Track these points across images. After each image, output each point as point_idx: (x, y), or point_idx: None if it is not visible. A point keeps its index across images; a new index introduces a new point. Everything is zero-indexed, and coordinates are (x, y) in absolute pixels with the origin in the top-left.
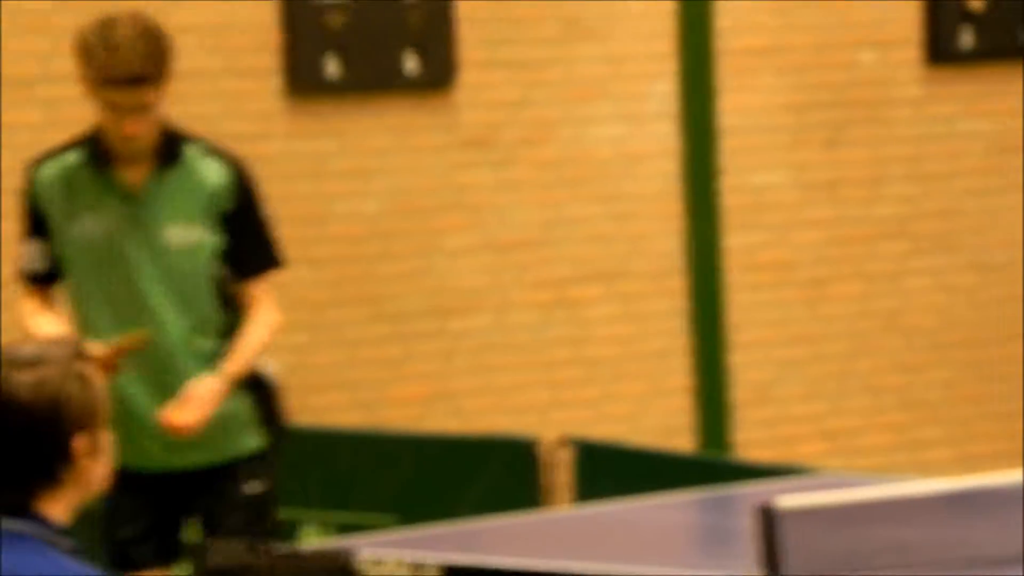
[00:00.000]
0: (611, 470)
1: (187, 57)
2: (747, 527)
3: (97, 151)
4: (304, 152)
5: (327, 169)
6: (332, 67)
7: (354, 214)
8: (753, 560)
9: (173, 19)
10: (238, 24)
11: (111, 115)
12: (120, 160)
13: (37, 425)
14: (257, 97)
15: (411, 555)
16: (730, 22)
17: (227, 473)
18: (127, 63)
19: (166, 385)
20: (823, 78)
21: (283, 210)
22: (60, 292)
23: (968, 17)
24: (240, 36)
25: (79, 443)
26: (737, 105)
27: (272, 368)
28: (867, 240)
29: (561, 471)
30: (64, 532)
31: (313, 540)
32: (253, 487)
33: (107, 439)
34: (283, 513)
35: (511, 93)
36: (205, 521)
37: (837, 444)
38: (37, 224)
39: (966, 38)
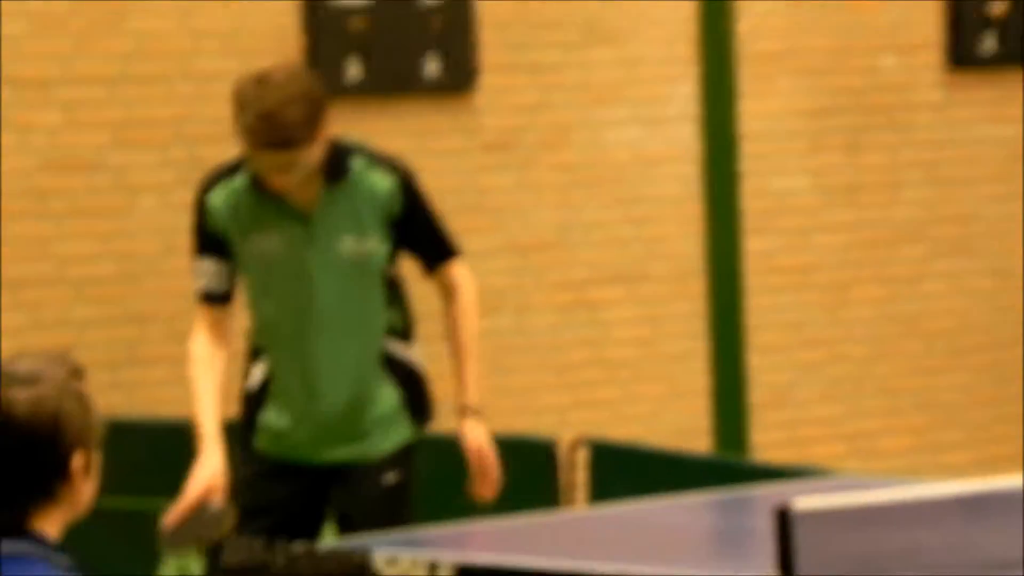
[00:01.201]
0: (628, 471)
1: (208, 60)
2: (764, 528)
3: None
4: None
5: None
6: (354, 70)
7: None
8: (769, 561)
9: (194, 22)
10: (259, 28)
11: (262, 171)
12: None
13: (36, 442)
14: None
15: (426, 554)
16: (750, 26)
17: (372, 466)
18: (277, 131)
19: (342, 380)
20: (843, 82)
21: None
22: (232, 312)
23: (990, 22)
24: (261, 40)
25: (76, 461)
26: (757, 109)
27: (420, 358)
28: (886, 244)
29: (579, 472)
30: (60, 550)
31: (330, 538)
32: (391, 478)
33: (98, 459)
34: None
35: (531, 97)
36: (343, 513)
37: (855, 446)
38: (212, 244)
39: (988, 43)
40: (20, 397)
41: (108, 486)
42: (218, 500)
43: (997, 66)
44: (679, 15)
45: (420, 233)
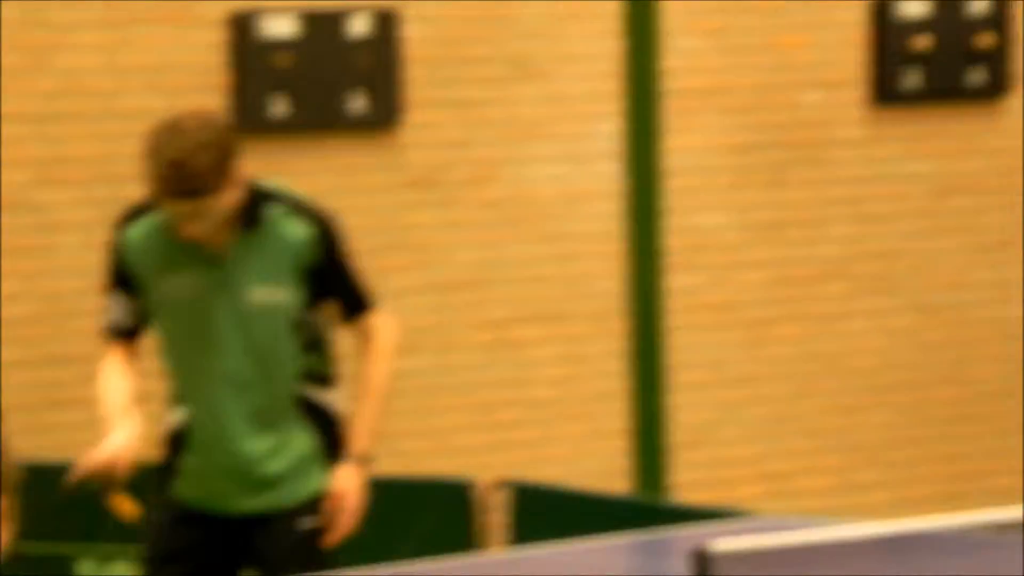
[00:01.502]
0: (548, 513)
1: (133, 97)
2: (683, 570)
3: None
4: None
5: None
6: (279, 106)
7: None
8: None
9: (119, 60)
10: (184, 64)
11: (171, 218)
12: None
13: None
14: None
15: None
16: (675, 63)
17: (288, 513)
18: (185, 180)
19: (252, 431)
20: (767, 119)
21: None
22: (142, 346)
23: (913, 58)
24: (186, 76)
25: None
26: (681, 145)
27: (340, 402)
28: (809, 281)
29: (497, 514)
30: None
31: None
32: (308, 524)
33: (14, 508)
34: None
35: (456, 133)
36: (261, 562)
37: (776, 487)
38: (123, 280)
39: (911, 78)
40: None
41: (27, 530)
42: (123, 466)
43: (920, 102)
44: (604, 52)
45: (337, 284)
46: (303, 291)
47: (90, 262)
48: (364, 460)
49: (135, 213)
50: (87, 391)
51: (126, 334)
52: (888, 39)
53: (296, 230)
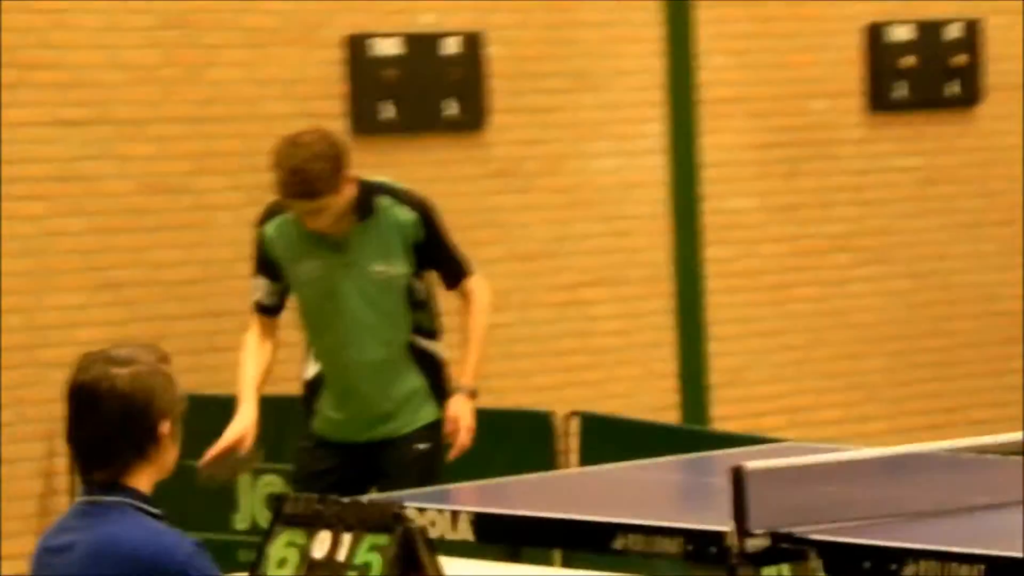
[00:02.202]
0: (611, 439)
1: (271, 104)
2: (722, 485)
3: None
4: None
5: None
6: (387, 112)
7: None
8: (727, 512)
9: (259, 73)
10: (311, 77)
11: (296, 215)
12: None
13: (134, 409)
14: None
15: (448, 507)
16: (708, 77)
17: (407, 439)
18: (294, 185)
19: (373, 377)
20: (783, 122)
21: None
22: (279, 320)
23: (902, 73)
24: (313, 86)
25: (163, 428)
26: (714, 143)
27: (442, 350)
28: (820, 253)
29: (571, 439)
30: (151, 503)
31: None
32: (422, 447)
33: (179, 429)
34: None
35: (531, 133)
36: (384, 475)
37: (796, 418)
38: (266, 267)
39: (900, 90)
40: (121, 373)
41: (191, 451)
42: (247, 446)
43: (907, 110)
44: (650, 68)
45: (438, 257)
46: (411, 263)
47: (238, 236)
48: (472, 392)
49: (270, 214)
50: (237, 338)
51: (269, 311)
52: (880, 58)
53: (402, 215)
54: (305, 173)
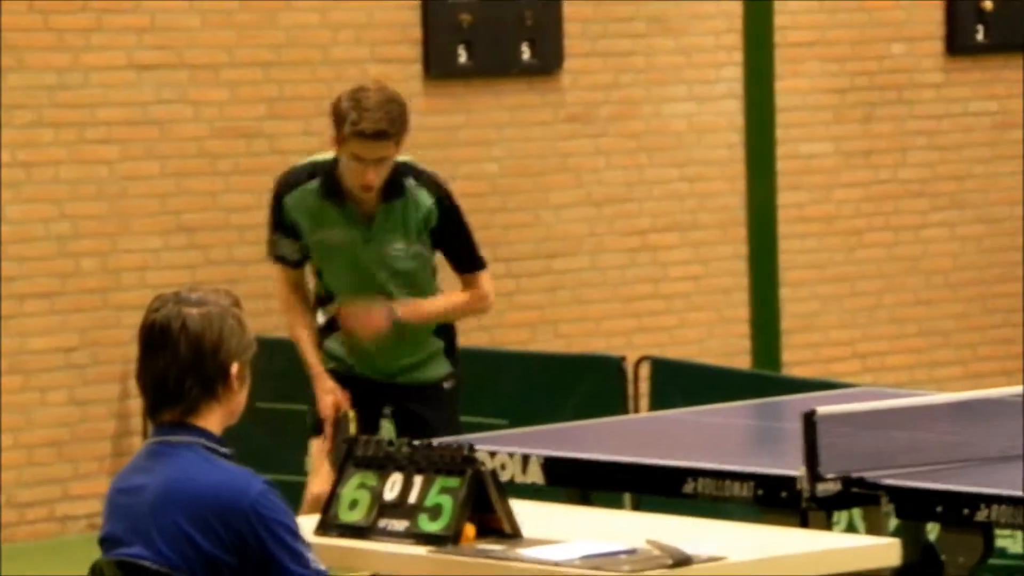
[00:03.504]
0: (682, 384)
1: (344, 49)
2: (794, 430)
3: (333, 187)
4: (438, 126)
5: (456, 139)
6: (462, 56)
7: (478, 175)
8: (799, 456)
9: (332, 18)
10: (385, 22)
11: (356, 166)
12: (352, 195)
13: (205, 347)
14: (400, 81)
15: (520, 449)
16: (785, 21)
17: (429, 386)
18: (375, 121)
19: (393, 343)
20: (860, 67)
21: None
22: (305, 272)
23: (981, 16)
24: (387, 31)
25: (234, 369)
26: (790, 88)
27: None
28: (895, 199)
29: (642, 384)
30: (223, 443)
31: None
32: (447, 387)
33: (248, 375)
34: None
35: (606, 78)
36: (410, 410)
37: (868, 364)
38: (288, 229)
39: (979, 34)
40: (193, 313)
41: (262, 392)
42: (345, 406)
43: (986, 54)
44: (727, 11)
45: (450, 243)
46: (428, 245)
47: None
48: (393, 312)
49: (294, 182)
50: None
51: (293, 264)
52: (960, 2)
53: (424, 198)
54: (386, 111)
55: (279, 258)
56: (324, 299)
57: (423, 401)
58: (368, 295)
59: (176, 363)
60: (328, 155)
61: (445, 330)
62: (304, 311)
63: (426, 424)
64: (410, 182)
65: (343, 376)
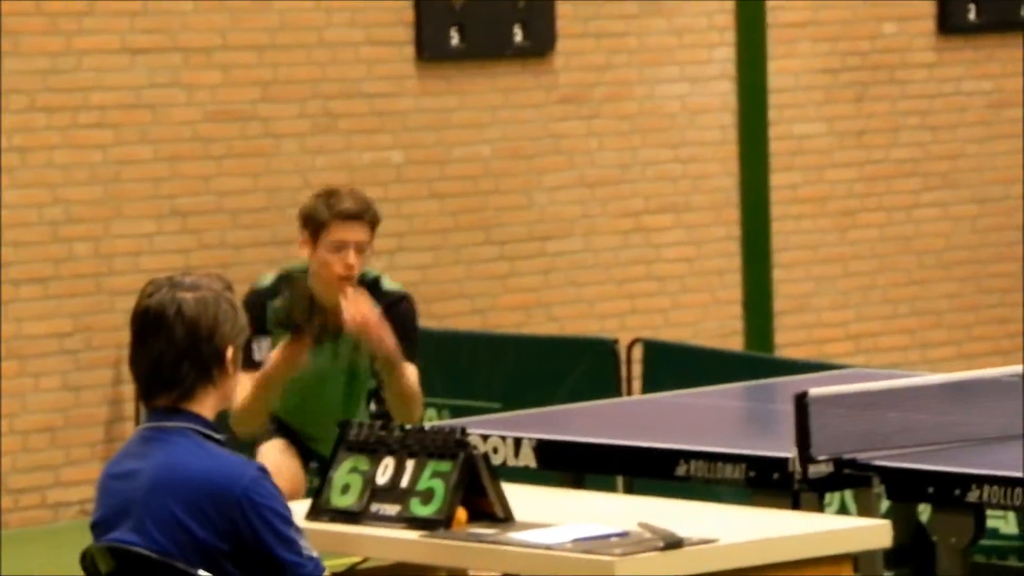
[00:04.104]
0: (675, 366)
1: (338, 31)
2: (786, 411)
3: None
4: (431, 108)
5: (449, 121)
6: (454, 38)
7: (471, 158)
8: (791, 438)
9: (325, 1)
10: (379, 4)
11: (335, 256)
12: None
13: (201, 332)
14: (393, 63)
15: (512, 433)
16: (778, 1)
17: None
18: (353, 202)
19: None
20: (852, 47)
21: (414, 155)
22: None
23: None
24: (381, 14)
25: (229, 353)
26: (782, 68)
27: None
28: (887, 178)
29: (635, 367)
30: (216, 429)
31: (435, 420)
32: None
33: (241, 359)
34: None
35: (598, 59)
36: None
37: (861, 345)
38: (265, 331)
39: (971, 13)
40: (187, 297)
41: None
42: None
43: (978, 33)
44: None
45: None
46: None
47: (305, 163)
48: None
49: (269, 293)
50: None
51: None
52: None
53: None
54: (364, 199)
55: (254, 365)
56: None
57: None
58: (329, 414)
59: (172, 348)
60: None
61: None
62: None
63: None
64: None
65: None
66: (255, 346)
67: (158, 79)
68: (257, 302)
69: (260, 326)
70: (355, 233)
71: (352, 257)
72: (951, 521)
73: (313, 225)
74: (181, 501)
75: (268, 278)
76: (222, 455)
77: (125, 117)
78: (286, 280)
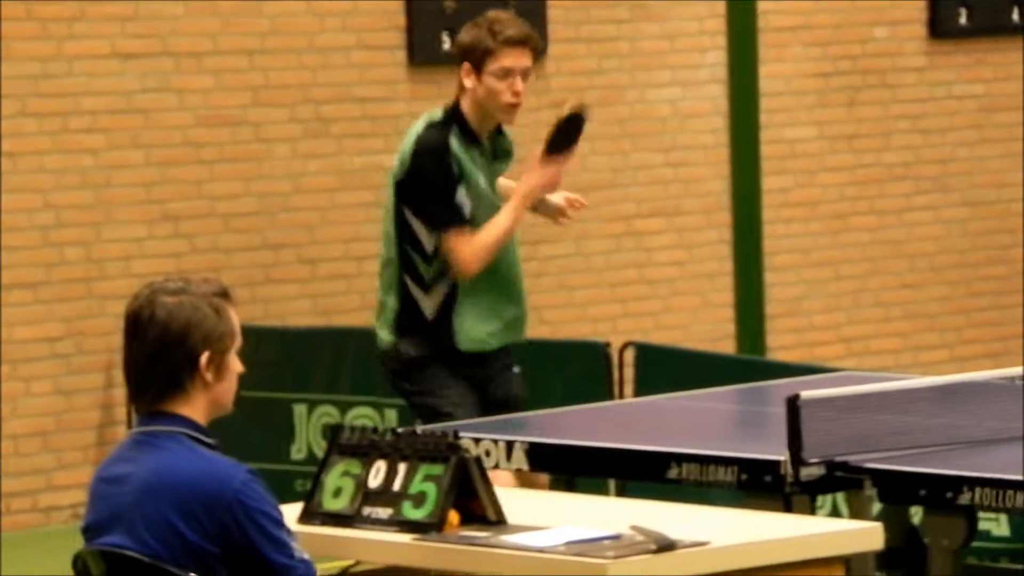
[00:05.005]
0: (667, 369)
1: (330, 36)
2: (778, 414)
3: (467, 131)
4: (422, 112)
5: None
6: (446, 43)
7: None
8: (783, 441)
9: (317, 4)
10: (371, 8)
11: (504, 83)
12: (479, 136)
13: (170, 337)
14: (385, 67)
15: (504, 436)
16: (769, 5)
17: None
18: (517, 28)
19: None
20: (844, 51)
21: None
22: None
23: (964, 0)
24: (372, 18)
25: (204, 359)
26: (774, 73)
27: None
28: (879, 182)
29: (627, 369)
30: (207, 432)
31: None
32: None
33: (235, 364)
34: (403, 403)
35: (590, 63)
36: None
37: (853, 348)
38: (460, 182)
39: (962, 18)
40: (165, 301)
41: (247, 381)
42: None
43: (969, 37)
44: None
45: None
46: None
47: (296, 168)
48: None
49: (445, 139)
50: (295, 271)
51: (470, 222)
52: None
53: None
54: (519, 23)
55: (466, 220)
56: (434, 279)
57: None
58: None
59: (144, 352)
60: (438, 111)
61: None
62: None
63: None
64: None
65: (483, 357)
66: (458, 201)
67: (149, 84)
68: (440, 151)
69: (452, 177)
70: (522, 59)
71: (520, 84)
72: (943, 523)
73: (477, 54)
74: (172, 505)
75: (438, 123)
76: (213, 459)
77: (116, 122)
78: (446, 121)
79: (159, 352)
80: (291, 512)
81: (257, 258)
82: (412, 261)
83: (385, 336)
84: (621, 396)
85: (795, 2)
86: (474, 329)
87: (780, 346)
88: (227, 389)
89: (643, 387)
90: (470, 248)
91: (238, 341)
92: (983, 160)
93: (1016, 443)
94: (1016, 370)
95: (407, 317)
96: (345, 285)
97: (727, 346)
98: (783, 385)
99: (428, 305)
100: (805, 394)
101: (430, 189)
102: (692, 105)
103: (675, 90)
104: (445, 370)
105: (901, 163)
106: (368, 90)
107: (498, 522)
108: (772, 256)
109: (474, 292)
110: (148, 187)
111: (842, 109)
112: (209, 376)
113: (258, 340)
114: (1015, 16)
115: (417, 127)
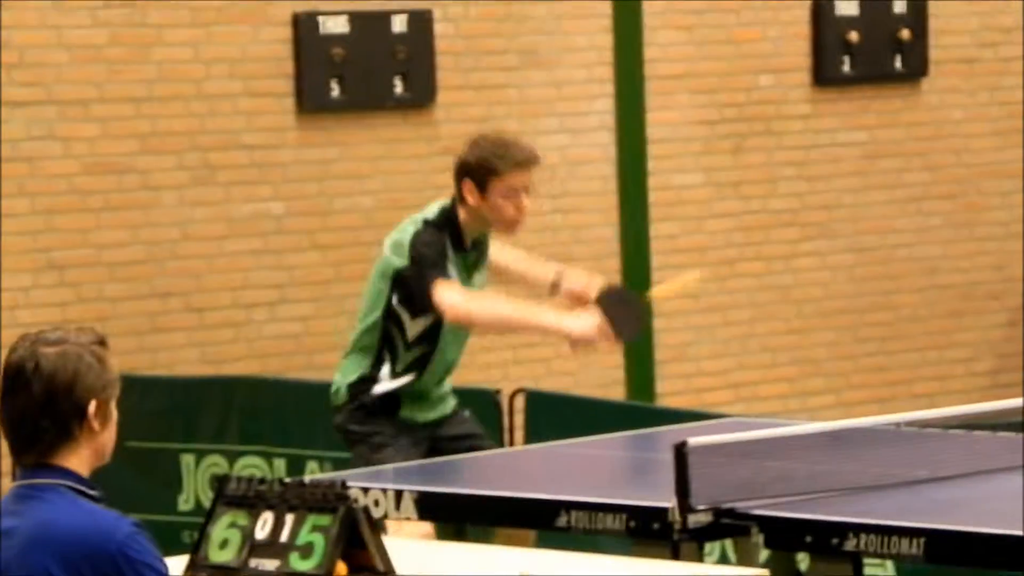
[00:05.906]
0: (558, 416)
1: (218, 83)
2: (667, 460)
3: (458, 237)
4: (311, 159)
5: (330, 173)
6: (334, 90)
7: (353, 209)
8: (671, 489)
9: (205, 52)
10: (258, 56)
11: (511, 203)
12: (465, 244)
13: (58, 388)
14: (273, 115)
15: (393, 485)
16: (655, 53)
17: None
18: (525, 150)
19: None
20: (729, 98)
21: (295, 206)
22: None
23: (847, 48)
24: (259, 66)
25: (91, 408)
26: (661, 120)
27: None
28: (765, 228)
29: (517, 416)
30: (90, 485)
31: (316, 473)
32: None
33: (114, 413)
34: (292, 452)
35: (479, 111)
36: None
37: (741, 393)
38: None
39: (845, 66)
40: (47, 352)
41: (134, 431)
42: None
43: (852, 84)
44: (598, 45)
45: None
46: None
47: (184, 216)
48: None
49: (440, 233)
50: (182, 319)
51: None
52: (826, 33)
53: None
54: (527, 142)
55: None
56: (409, 345)
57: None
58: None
59: (30, 404)
60: (433, 209)
61: None
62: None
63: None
64: None
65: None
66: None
67: (34, 131)
68: (443, 247)
69: (442, 252)
70: (527, 178)
71: (525, 201)
72: (829, 569)
73: (482, 173)
74: (56, 558)
75: (432, 213)
76: (96, 511)
77: (1, 170)
78: (442, 224)
79: (47, 403)
80: (177, 564)
81: (144, 307)
82: (394, 342)
83: (343, 383)
84: (512, 443)
85: (681, 49)
86: (406, 412)
87: (669, 392)
88: (110, 438)
89: (534, 434)
90: (465, 297)
91: (118, 390)
92: (868, 206)
93: (901, 489)
94: (903, 416)
95: (369, 384)
96: (233, 333)
97: (617, 392)
98: (672, 432)
99: (386, 385)
100: (692, 441)
101: (426, 265)
102: (581, 152)
103: (564, 137)
104: (392, 426)
105: (787, 209)
106: (256, 137)
107: (386, 573)
108: (661, 302)
109: (420, 382)
110: (34, 235)
111: (728, 156)
112: (96, 425)
113: (145, 389)
114: (898, 64)
115: (415, 223)
